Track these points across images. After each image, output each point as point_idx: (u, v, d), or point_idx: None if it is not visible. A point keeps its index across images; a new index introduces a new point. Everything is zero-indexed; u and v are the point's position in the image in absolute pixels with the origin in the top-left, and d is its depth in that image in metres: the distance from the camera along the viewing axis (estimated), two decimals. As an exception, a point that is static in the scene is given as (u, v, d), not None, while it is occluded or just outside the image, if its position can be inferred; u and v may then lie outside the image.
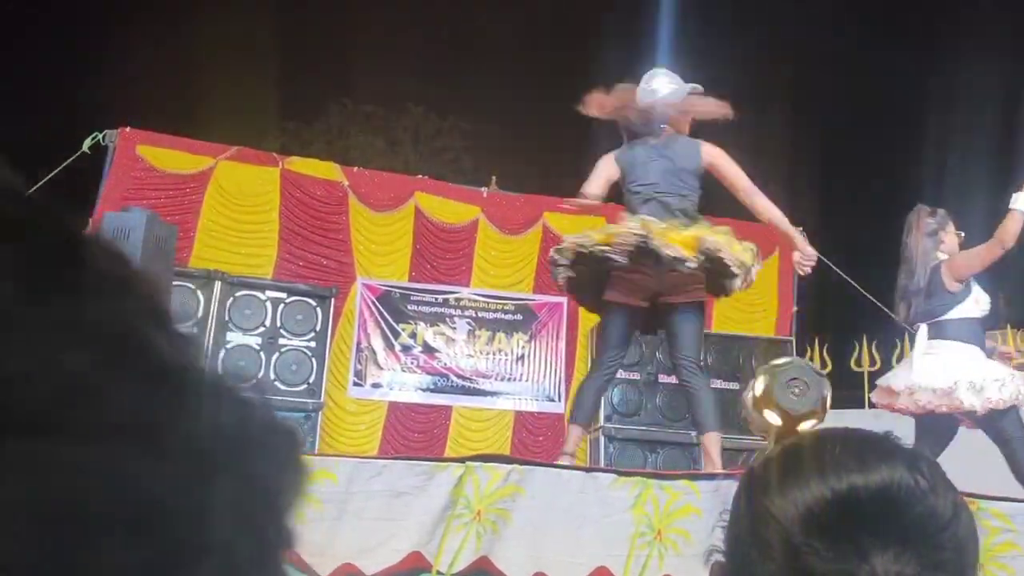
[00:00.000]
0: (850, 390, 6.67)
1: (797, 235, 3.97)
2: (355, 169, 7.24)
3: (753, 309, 7.57)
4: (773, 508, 0.75)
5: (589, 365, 7.03)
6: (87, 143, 6.59)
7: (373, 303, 6.92)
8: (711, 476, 3.00)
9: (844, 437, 0.78)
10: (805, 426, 3.32)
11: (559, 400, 7.00)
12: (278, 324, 6.15)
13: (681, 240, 3.53)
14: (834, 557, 0.70)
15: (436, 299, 6.90)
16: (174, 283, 5.64)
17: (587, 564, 2.57)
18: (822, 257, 7.61)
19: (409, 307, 6.94)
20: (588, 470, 2.80)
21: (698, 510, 2.64)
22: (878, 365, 6.54)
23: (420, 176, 7.30)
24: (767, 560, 0.73)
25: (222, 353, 5.98)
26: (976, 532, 0.76)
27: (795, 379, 3.42)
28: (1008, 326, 6.99)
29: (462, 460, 2.69)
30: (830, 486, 0.73)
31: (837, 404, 5.69)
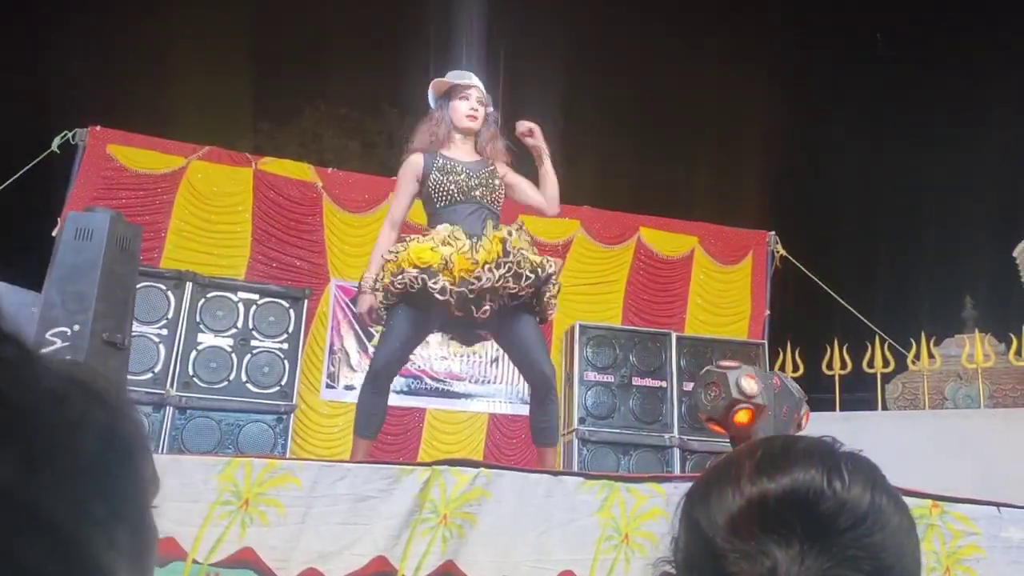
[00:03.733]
0: (822, 393, 6.72)
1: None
2: (329, 170, 7.21)
3: (726, 312, 7.62)
4: (700, 518, 0.78)
5: (563, 367, 7.06)
6: (56, 142, 6.52)
7: (347, 305, 6.88)
8: (679, 479, 3.01)
9: (768, 445, 0.80)
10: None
11: (533, 403, 6.99)
12: (250, 325, 6.10)
13: None
14: (744, 558, 0.73)
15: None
16: (144, 284, 5.58)
17: (553, 568, 2.56)
18: (795, 262, 7.68)
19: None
20: (555, 473, 2.79)
21: (665, 513, 2.64)
22: (849, 368, 6.59)
23: (395, 177, 7.26)
24: (697, 569, 0.76)
25: (193, 354, 5.92)
26: (910, 538, 0.77)
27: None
28: (976, 330, 7.09)
29: (429, 464, 2.68)
30: (744, 494, 0.76)
31: (809, 406, 5.75)
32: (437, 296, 3.38)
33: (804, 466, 0.76)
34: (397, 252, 3.54)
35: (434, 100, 3.94)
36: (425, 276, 3.38)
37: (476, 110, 3.81)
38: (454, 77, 3.90)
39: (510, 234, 3.54)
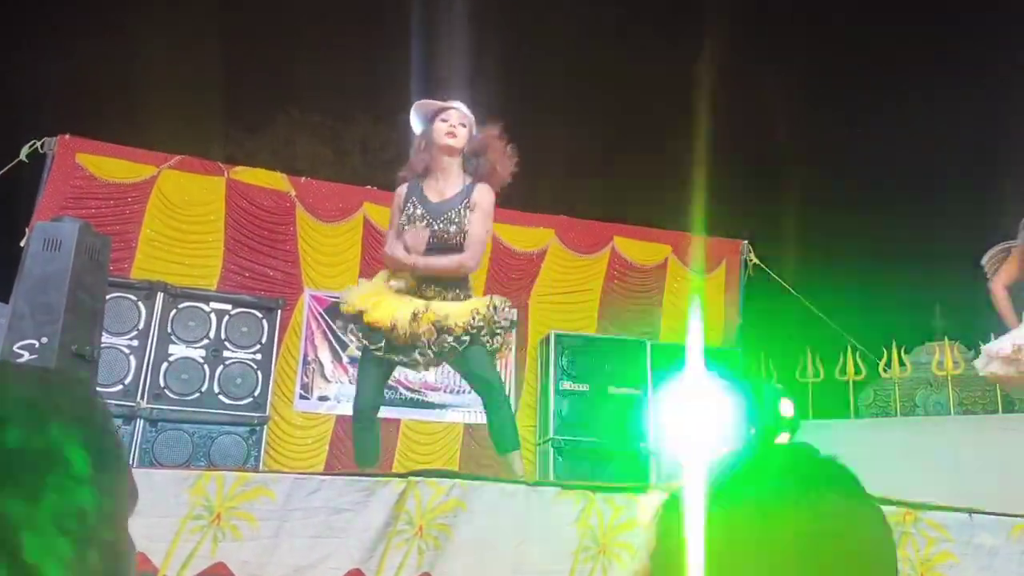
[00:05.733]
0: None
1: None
2: (302, 179, 7.16)
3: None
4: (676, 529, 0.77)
5: (538, 376, 7.05)
6: (25, 151, 6.43)
7: (320, 315, 6.83)
8: (654, 489, 3.00)
9: (743, 454, 0.80)
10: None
11: (508, 412, 6.97)
12: (223, 336, 6.05)
13: None
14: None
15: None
16: (114, 295, 5.51)
17: (530, 579, 2.55)
18: (768, 271, 7.74)
19: (357, 319, 6.86)
20: (532, 484, 2.78)
21: (642, 523, 2.64)
22: (822, 376, 6.64)
23: (369, 186, 7.23)
24: None
25: (164, 366, 5.85)
26: (887, 547, 0.77)
27: None
28: (945, 338, 7.17)
29: (404, 475, 2.66)
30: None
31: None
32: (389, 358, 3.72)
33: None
34: (346, 301, 3.80)
35: (417, 124, 4.01)
36: (367, 341, 3.69)
37: (455, 128, 3.87)
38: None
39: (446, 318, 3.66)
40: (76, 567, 0.49)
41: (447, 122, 3.88)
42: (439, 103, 3.95)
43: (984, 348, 4.95)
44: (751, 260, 7.78)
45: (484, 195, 3.88)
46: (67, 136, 6.51)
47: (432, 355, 3.65)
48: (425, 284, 3.77)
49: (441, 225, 3.79)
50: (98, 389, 4.31)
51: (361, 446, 3.82)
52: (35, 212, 6.18)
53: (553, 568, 2.55)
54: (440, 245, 3.77)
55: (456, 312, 3.67)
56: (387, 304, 3.70)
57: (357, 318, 3.70)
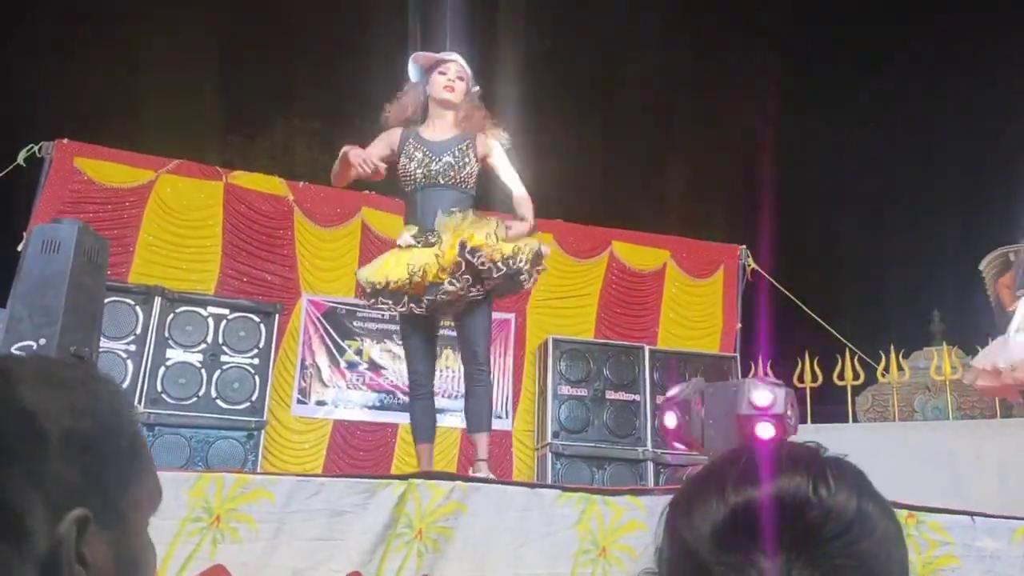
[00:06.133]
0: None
1: None
2: (300, 184, 7.15)
3: (698, 326, 7.65)
4: (683, 529, 0.76)
5: (536, 381, 7.04)
6: (22, 155, 6.42)
7: (318, 319, 6.82)
8: (657, 492, 3.00)
9: (752, 452, 0.79)
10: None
11: (506, 417, 6.97)
12: (220, 341, 6.04)
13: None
14: (730, 570, 0.71)
15: (382, 315, 6.76)
16: (112, 299, 5.50)
17: (531, 582, 2.54)
18: (764, 274, 7.74)
19: (355, 324, 6.86)
20: (532, 486, 2.77)
21: (643, 526, 2.63)
22: (820, 381, 6.63)
23: (367, 191, 7.22)
24: None
25: (162, 370, 5.84)
26: (898, 545, 0.76)
27: None
28: (944, 343, 7.17)
29: (404, 477, 2.64)
30: (728, 502, 0.74)
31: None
32: (414, 311, 3.64)
33: (789, 473, 0.74)
34: (366, 275, 3.73)
35: (416, 74, 4.01)
36: (391, 301, 3.64)
37: (453, 83, 3.88)
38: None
39: (469, 237, 3.58)
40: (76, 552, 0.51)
41: (445, 75, 3.89)
42: (438, 56, 3.96)
43: (973, 362, 5.00)
44: (749, 265, 7.78)
45: (494, 144, 3.88)
46: (65, 140, 6.51)
47: (470, 278, 3.54)
48: (431, 233, 3.67)
49: (443, 162, 3.76)
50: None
51: (417, 420, 3.87)
52: (33, 216, 6.17)
53: (553, 571, 2.54)
54: (447, 183, 3.75)
55: (483, 241, 3.59)
56: (402, 262, 3.62)
57: (379, 291, 3.64)
